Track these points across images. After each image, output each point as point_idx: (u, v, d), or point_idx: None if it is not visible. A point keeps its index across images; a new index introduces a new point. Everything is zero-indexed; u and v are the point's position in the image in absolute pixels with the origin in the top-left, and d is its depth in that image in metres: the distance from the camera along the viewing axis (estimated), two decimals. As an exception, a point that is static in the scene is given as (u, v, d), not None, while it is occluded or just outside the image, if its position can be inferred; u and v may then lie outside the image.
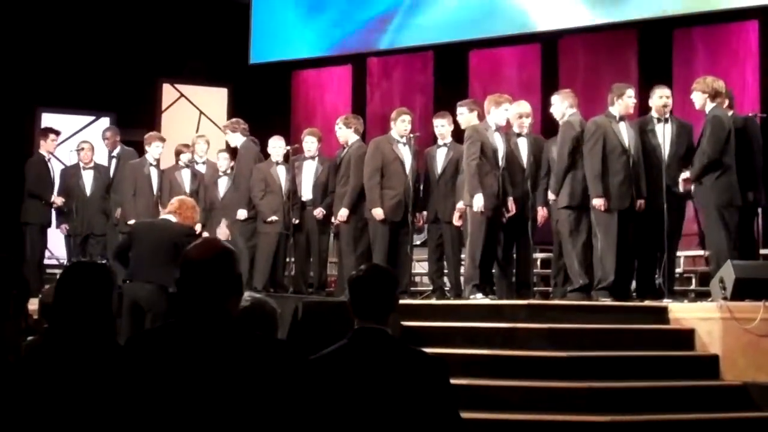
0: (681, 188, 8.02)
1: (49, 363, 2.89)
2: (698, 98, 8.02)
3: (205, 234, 9.69)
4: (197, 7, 13.80)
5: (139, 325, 7.18)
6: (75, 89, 12.97)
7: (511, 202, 8.36)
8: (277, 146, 9.80)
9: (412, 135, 9.01)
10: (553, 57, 12.71)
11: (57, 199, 10.31)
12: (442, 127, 9.02)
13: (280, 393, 2.64)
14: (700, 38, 11.86)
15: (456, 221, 8.58)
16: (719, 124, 7.82)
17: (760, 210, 8.45)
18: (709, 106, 7.95)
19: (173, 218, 7.63)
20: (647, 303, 7.73)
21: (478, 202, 8.07)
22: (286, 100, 14.49)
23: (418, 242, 9.99)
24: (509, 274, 8.59)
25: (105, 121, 12.75)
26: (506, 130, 8.68)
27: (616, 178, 7.99)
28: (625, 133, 8.12)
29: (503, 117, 8.42)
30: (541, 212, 8.67)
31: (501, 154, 8.34)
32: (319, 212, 9.48)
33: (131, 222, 9.67)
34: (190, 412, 2.57)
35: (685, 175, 7.95)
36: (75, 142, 11.43)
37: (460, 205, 8.46)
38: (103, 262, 8.59)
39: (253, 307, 3.41)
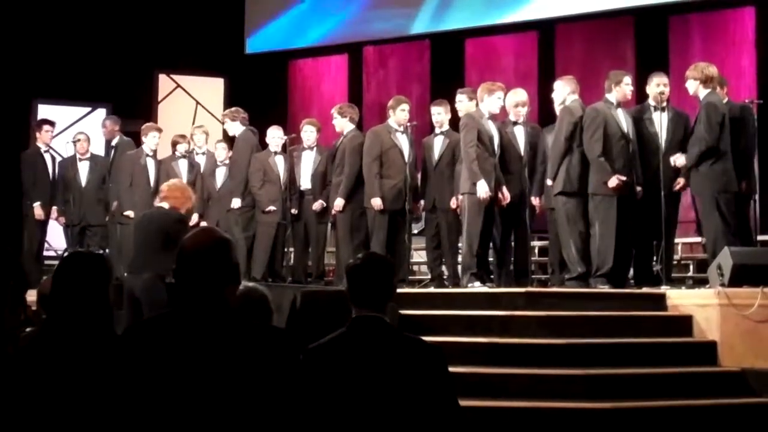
0: (673, 162, 7.97)
1: (47, 353, 2.89)
2: (691, 85, 8.02)
3: (203, 224, 9.70)
4: (193, -2, 13.79)
5: (139, 316, 7.18)
6: (71, 81, 12.96)
7: (504, 191, 8.35)
8: (275, 136, 9.80)
9: (409, 124, 9.00)
10: (549, 45, 12.71)
11: (37, 209, 10.28)
12: (439, 115, 9.01)
13: (279, 382, 2.64)
14: (696, 25, 11.87)
15: (457, 209, 8.57)
16: (714, 110, 7.81)
17: (757, 197, 8.45)
18: (702, 92, 7.94)
19: (166, 205, 7.60)
20: (645, 290, 7.74)
21: (483, 188, 8.06)
22: (283, 90, 14.49)
23: (416, 231, 9.99)
24: (507, 262, 8.59)
25: (101, 113, 12.73)
26: (503, 119, 8.68)
27: (616, 164, 7.99)
28: (624, 120, 8.12)
29: (496, 105, 8.40)
30: (536, 202, 8.67)
31: (496, 141, 8.34)
32: (318, 205, 9.46)
33: (127, 213, 9.67)
34: (189, 401, 2.57)
35: (681, 160, 7.92)
36: (72, 133, 11.41)
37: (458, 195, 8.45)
38: (101, 252, 8.60)
39: (243, 295, 3.41)
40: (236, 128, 9.96)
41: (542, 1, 12.46)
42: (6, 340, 2.71)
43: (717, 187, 7.75)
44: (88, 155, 10.57)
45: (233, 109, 10.34)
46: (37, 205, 10.28)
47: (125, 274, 7.49)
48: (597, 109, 8.11)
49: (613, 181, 7.86)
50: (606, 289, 7.73)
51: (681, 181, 8.06)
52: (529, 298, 7.29)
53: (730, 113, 7.97)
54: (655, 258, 8.28)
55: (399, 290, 6.65)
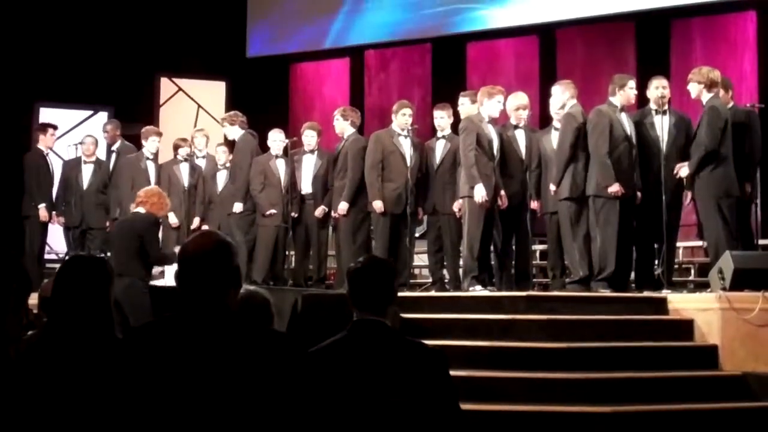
0: (676, 172, 7.97)
1: (49, 356, 2.90)
2: (694, 89, 8.02)
3: (204, 227, 9.70)
4: (194, 1, 13.78)
5: (124, 321, 7.19)
6: (73, 84, 12.97)
7: (503, 195, 8.35)
8: (276, 140, 9.79)
9: (411, 127, 9.00)
10: (551, 49, 12.71)
11: (42, 210, 10.29)
12: (442, 119, 9.02)
13: (280, 385, 2.64)
14: (698, 29, 11.86)
15: (458, 213, 8.57)
16: (716, 115, 7.81)
17: (758, 201, 8.45)
18: (706, 96, 7.94)
19: (142, 210, 7.66)
20: (646, 294, 7.73)
21: (480, 192, 8.05)
22: (284, 94, 14.49)
23: (418, 234, 9.99)
24: (508, 266, 8.59)
25: (103, 116, 12.73)
26: (503, 123, 8.68)
27: (620, 167, 7.99)
28: (627, 124, 8.12)
29: (496, 109, 8.40)
30: (534, 205, 8.65)
31: (495, 145, 8.34)
32: (320, 212, 9.45)
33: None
34: (190, 405, 2.57)
35: (684, 171, 7.90)
36: (73, 136, 11.43)
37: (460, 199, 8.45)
38: (102, 256, 8.62)
39: (244, 299, 3.41)
40: (235, 132, 9.96)
41: (543, 5, 12.46)
42: (8, 343, 2.71)
43: (718, 192, 7.74)
44: (94, 158, 10.59)
45: (231, 113, 10.34)
46: (42, 206, 10.29)
47: None
48: (602, 111, 8.11)
49: (614, 187, 7.86)
50: (607, 292, 7.72)
51: (688, 196, 8.04)
52: (530, 301, 7.29)
53: (735, 117, 7.97)
54: (656, 262, 8.28)
55: (400, 294, 6.67)
